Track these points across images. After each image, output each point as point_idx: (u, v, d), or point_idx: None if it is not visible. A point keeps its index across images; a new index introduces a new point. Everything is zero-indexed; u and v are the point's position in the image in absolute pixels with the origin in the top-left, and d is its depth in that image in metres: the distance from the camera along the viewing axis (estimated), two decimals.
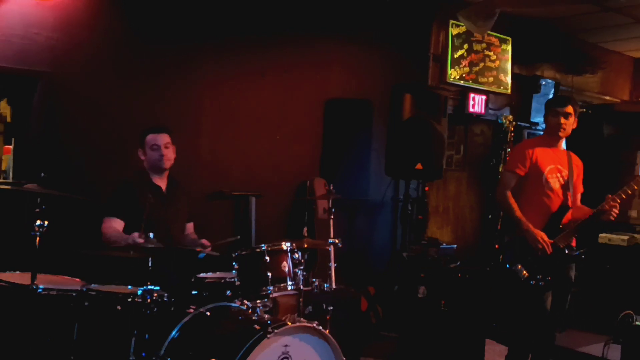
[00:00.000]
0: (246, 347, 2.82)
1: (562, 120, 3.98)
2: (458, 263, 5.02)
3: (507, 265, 3.97)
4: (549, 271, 3.86)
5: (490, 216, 6.90)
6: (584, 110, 6.86)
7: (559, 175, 4.00)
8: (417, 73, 6.17)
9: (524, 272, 3.88)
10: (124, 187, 3.78)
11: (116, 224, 3.67)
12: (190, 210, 4.03)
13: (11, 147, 4.59)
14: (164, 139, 3.80)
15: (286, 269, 3.48)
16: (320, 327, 3.08)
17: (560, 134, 4.01)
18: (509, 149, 6.76)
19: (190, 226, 4.06)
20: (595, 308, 5.82)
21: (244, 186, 5.08)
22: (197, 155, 4.90)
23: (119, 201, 3.71)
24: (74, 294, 3.05)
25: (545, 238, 3.85)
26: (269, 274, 3.40)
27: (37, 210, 3.00)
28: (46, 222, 2.99)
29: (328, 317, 3.93)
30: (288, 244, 3.53)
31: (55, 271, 3.39)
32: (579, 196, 4.13)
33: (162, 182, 3.87)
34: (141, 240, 3.30)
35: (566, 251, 3.91)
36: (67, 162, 4.25)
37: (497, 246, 6.53)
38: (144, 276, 3.04)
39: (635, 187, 3.86)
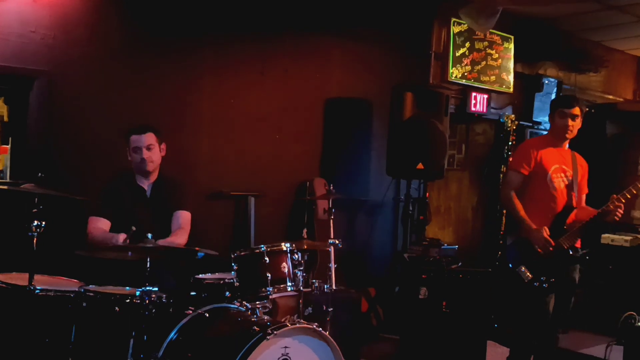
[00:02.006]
0: (245, 348, 2.80)
1: (570, 122, 3.92)
2: (460, 264, 4.99)
3: (510, 266, 3.94)
4: (553, 272, 3.83)
5: (492, 216, 6.87)
6: (588, 109, 6.82)
7: (563, 175, 3.97)
8: (418, 72, 6.14)
9: (528, 273, 3.84)
10: (108, 188, 3.74)
11: (102, 224, 3.64)
12: (184, 201, 3.82)
13: (8, 146, 4.56)
14: (146, 140, 3.69)
15: (286, 270, 3.45)
16: (320, 329, 3.07)
17: (567, 136, 3.96)
18: (511, 149, 6.72)
19: (181, 215, 3.77)
20: (598, 309, 5.79)
21: (244, 186, 5.06)
22: (197, 155, 4.87)
23: (104, 201, 3.67)
24: (72, 295, 3.04)
25: (549, 239, 3.81)
26: (269, 275, 3.37)
27: (35, 210, 2.98)
28: (43, 223, 2.97)
29: (328, 319, 3.91)
30: (288, 245, 3.51)
31: (52, 272, 3.37)
32: (583, 197, 4.10)
33: (146, 184, 3.81)
34: (124, 244, 3.28)
35: (570, 252, 3.88)
36: (65, 162, 4.22)
37: (500, 247, 6.49)
38: (142, 277, 3.01)
39: None
